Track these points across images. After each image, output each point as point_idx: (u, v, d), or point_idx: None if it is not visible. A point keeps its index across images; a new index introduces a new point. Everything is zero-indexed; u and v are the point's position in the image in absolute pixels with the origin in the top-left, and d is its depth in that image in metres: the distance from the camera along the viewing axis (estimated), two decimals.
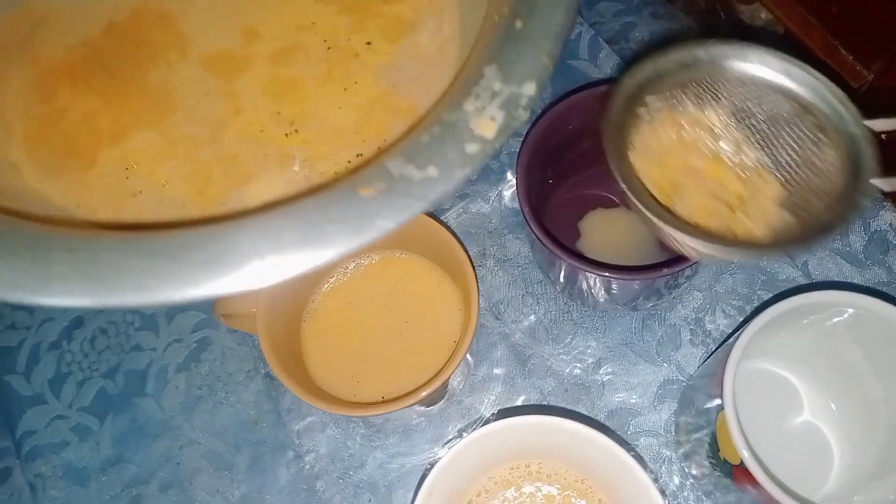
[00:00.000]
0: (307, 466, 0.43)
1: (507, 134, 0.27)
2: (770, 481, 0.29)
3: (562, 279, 0.42)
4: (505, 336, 0.44)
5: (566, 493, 0.35)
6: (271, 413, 0.44)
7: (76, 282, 0.23)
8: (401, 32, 0.36)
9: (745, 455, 0.29)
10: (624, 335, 0.44)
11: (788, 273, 0.44)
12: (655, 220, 0.28)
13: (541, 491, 0.35)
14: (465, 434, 0.34)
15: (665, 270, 0.36)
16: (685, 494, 0.40)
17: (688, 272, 0.40)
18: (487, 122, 0.27)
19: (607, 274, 0.37)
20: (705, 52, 0.30)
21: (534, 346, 0.44)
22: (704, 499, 0.40)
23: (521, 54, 0.27)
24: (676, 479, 0.40)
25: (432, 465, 0.33)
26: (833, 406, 0.38)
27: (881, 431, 0.35)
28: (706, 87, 0.31)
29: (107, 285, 0.23)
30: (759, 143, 0.31)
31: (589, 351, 0.44)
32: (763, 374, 0.40)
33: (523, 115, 0.26)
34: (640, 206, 0.28)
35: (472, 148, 0.27)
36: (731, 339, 0.35)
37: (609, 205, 0.46)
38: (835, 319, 0.34)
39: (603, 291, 0.41)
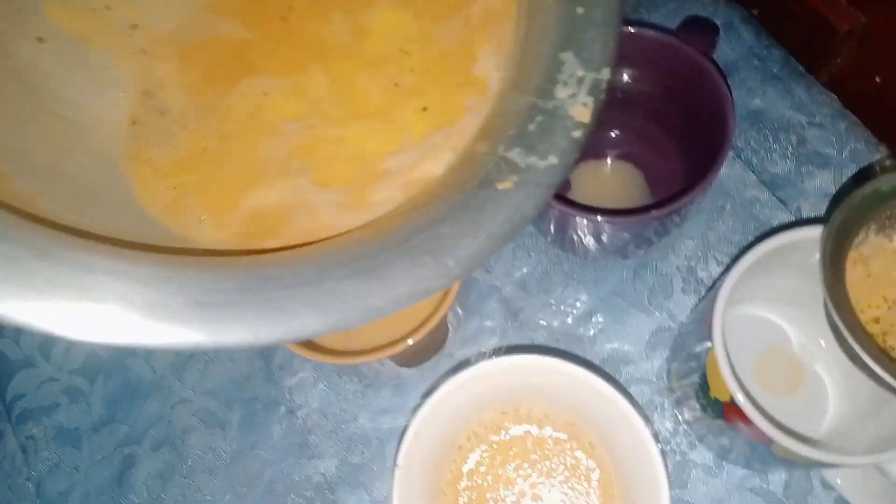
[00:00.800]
0: (300, 421, 0.43)
1: (596, 117, 0.29)
2: (758, 415, 0.29)
3: (552, 229, 0.41)
4: (496, 289, 0.44)
5: (556, 434, 0.35)
6: (262, 370, 0.44)
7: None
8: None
9: (734, 388, 0.29)
10: (615, 285, 0.43)
11: (782, 219, 0.43)
12: (883, 373, 0.26)
13: (531, 434, 0.35)
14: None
15: (654, 213, 0.35)
16: (678, 440, 0.40)
17: (677, 219, 0.40)
18: (582, 109, 0.29)
19: (598, 218, 0.36)
20: None
21: (525, 298, 0.44)
22: (698, 443, 0.40)
23: (594, 41, 0.29)
24: (669, 425, 0.40)
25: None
26: (823, 343, 0.38)
27: None
28: (889, 215, 0.28)
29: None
30: None
31: (581, 301, 0.43)
32: (752, 319, 0.40)
33: (603, 98, 0.28)
34: (865, 355, 0.26)
35: (577, 134, 0.28)
36: (720, 282, 0.34)
37: (599, 156, 0.45)
38: (818, 255, 0.33)
39: (593, 240, 0.40)
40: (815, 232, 0.32)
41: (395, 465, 0.30)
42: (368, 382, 0.43)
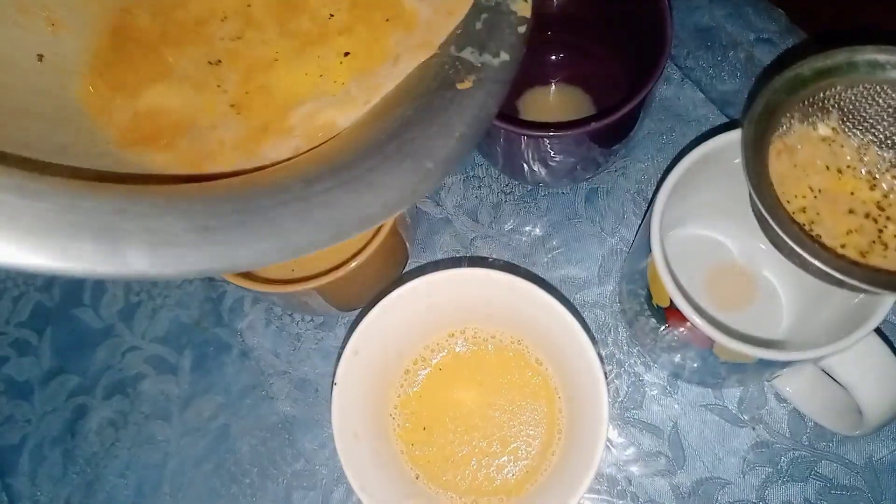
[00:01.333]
0: (252, 363, 0.42)
1: (536, 12, 0.29)
2: (693, 312, 0.28)
3: (500, 156, 0.40)
4: (447, 221, 0.43)
5: (502, 353, 0.34)
6: (212, 313, 0.43)
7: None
8: None
9: (669, 287, 0.29)
10: (567, 211, 0.43)
11: None
12: (807, 255, 0.25)
13: (477, 354, 0.34)
14: None
15: (594, 124, 0.34)
16: (632, 361, 0.40)
17: (622, 137, 0.39)
18: (523, 3, 0.29)
19: (542, 133, 0.35)
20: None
21: (477, 229, 0.43)
22: (652, 365, 0.39)
23: None
24: (624, 347, 0.40)
25: None
26: (763, 247, 0.37)
27: None
28: (811, 102, 0.28)
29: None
30: (882, 142, 0.28)
31: (533, 229, 0.43)
32: (694, 239, 0.40)
33: None
34: (787, 238, 0.25)
35: (522, 29, 0.29)
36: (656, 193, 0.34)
37: (544, 82, 0.44)
38: (737, 162, 0.33)
39: (540, 164, 0.39)
40: (733, 136, 0.31)
41: (333, 383, 0.30)
42: (321, 321, 0.42)
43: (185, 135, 0.28)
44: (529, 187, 0.43)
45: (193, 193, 0.23)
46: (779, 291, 0.38)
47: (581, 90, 0.44)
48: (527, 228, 0.43)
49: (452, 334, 0.35)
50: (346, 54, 0.32)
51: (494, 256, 0.42)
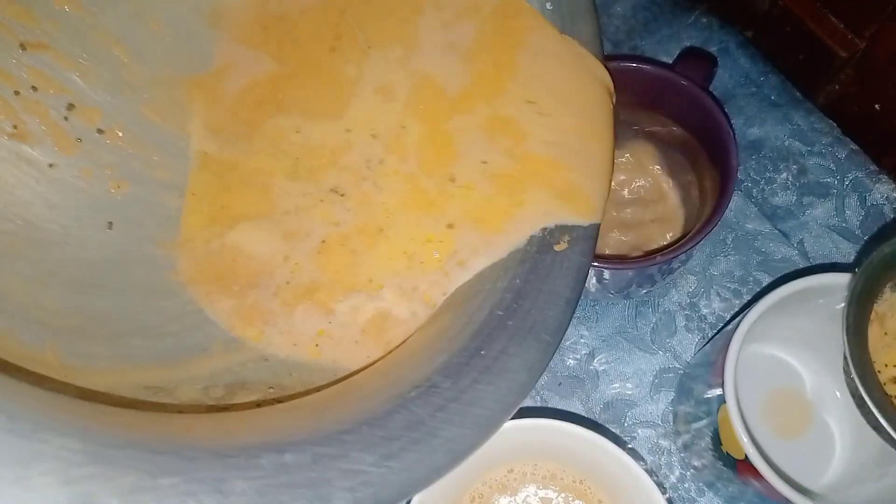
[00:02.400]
0: None
1: None
2: (776, 476, 0.28)
3: None
4: None
5: (564, 494, 0.33)
6: None
7: None
8: None
9: (751, 452, 0.28)
10: (617, 324, 0.42)
11: (784, 252, 0.42)
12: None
13: (537, 494, 0.33)
14: None
15: (658, 258, 0.34)
16: (686, 486, 0.39)
17: (682, 257, 0.39)
18: None
19: (597, 264, 0.35)
20: None
21: None
22: (706, 490, 0.39)
23: None
24: (676, 471, 0.39)
25: None
26: (838, 394, 0.37)
27: None
28: None
29: None
30: None
31: (582, 342, 0.42)
32: (764, 357, 0.39)
33: None
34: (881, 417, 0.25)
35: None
36: (731, 326, 0.33)
37: None
38: (840, 305, 0.32)
39: (594, 280, 0.39)
40: (834, 279, 0.31)
41: None
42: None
43: (256, 286, 0.28)
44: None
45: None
46: (835, 439, 0.37)
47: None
48: (575, 341, 0.42)
49: (512, 470, 0.34)
50: (450, 226, 0.30)
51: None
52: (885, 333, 0.28)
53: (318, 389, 0.25)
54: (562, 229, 0.27)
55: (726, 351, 0.31)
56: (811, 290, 0.31)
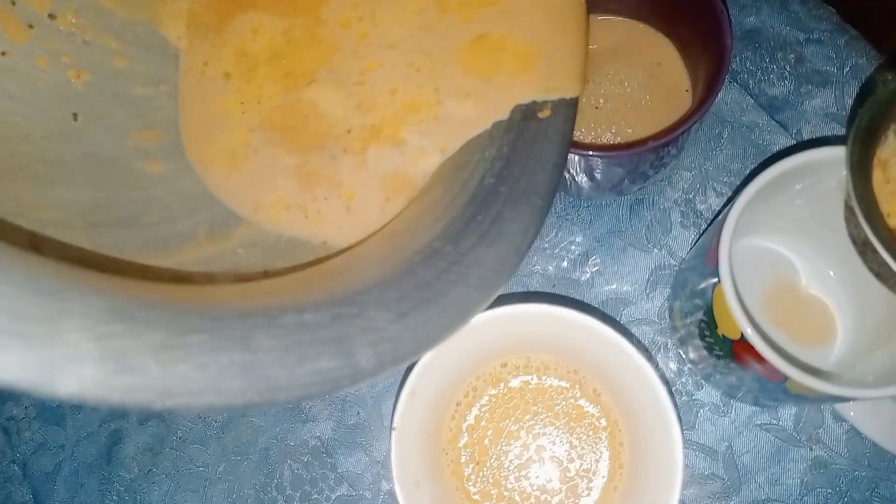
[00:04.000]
0: None
1: None
2: (773, 352, 0.27)
3: None
4: None
5: (558, 383, 0.33)
6: None
7: None
8: None
9: (745, 327, 0.27)
10: (611, 223, 0.41)
11: (783, 144, 0.41)
12: None
13: (531, 384, 0.33)
14: None
15: (651, 143, 0.33)
16: (683, 380, 0.39)
17: (673, 151, 0.38)
18: None
19: (592, 153, 0.34)
20: None
21: None
22: (704, 383, 0.38)
23: None
24: (673, 366, 0.39)
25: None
26: (832, 273, 0.36)
27: (881, 295, 0.33)
28: None
29: None
30: None
31: (575, 243, 0.41)
32: (757, 250, 0.38)
33: None
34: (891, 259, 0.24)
35: None
36: (723, 213, 0.32)
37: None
38: (827, 182, 0.31)
39: (585, 177, 0.38)
40: (820, 154, 0.29)
41: (391, 427, 0.29)
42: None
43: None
44: (571, 199, 0.42)
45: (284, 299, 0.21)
46: (835, 319, 0.36)
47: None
48: (569, 242, 0.41)
49: (505, 364, 0.34)
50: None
51: (538, 270, 0.41)
52: (888, 182, 0.27)
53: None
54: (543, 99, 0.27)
55: (720, 233, 0.30)
56: (797, 168, 0.30)
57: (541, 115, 0.27)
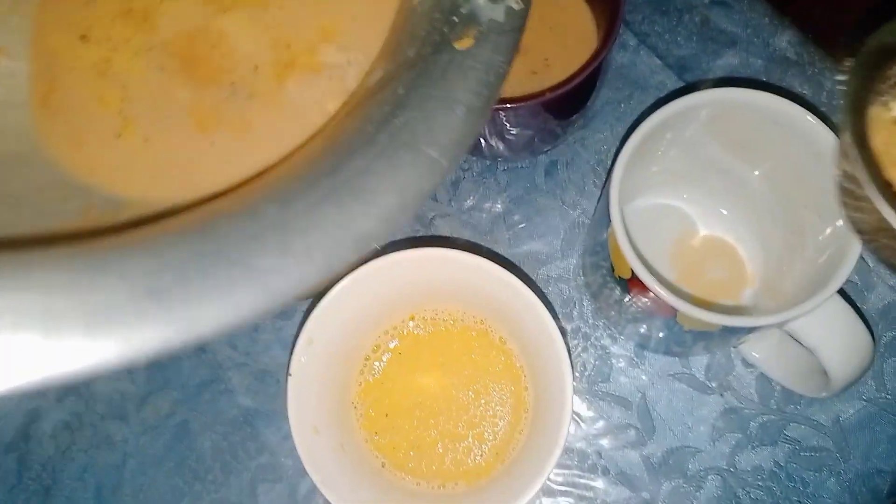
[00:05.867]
0: (209, 356, 0.41)
1: None
2: (652, 277, 0.28)
3: None
4: None
5: (466, 333, 0.33)
6: None
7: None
8: None
9: (629, 256, 0.28)
10: (527, 185, 0.42)
11: None
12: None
13: (438, 336, 0.33)
14: None
15: (547, 94, 0.33)
16: (598, 334, 0.39)
17: (582, 111, 0.38)
18: None
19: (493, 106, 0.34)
20: None
21: (436, 207, 0.42)
22: (618, 337, 0.39)
23: None
24: (590, 321, 0.39)
25: None
26: (724, 212, 0.37)
27: (773, 222, 0.35)
28: None
29: None
30: None
31: (493, 205, 0.42)
32: (653, 209, 0.39)
33: None
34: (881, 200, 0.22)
35: None
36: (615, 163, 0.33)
37: None
38: (692, 126, 0.32)
39: (497, 139, 0.38)
40: (684, 102, 0.30)
41: (287, 373, 0.28)
42: (280, 310, 0.41)
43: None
44: (488, 162, 0.42)
45: (136, 243, 0.19)
46: (742, 257, 0.37)
47: None
48: (487, 205, 0.42)
49: (413, 317, 0.34)
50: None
51: (455, 235, 0.41)
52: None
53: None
54: (466, 21, 0.22)
55: (609, 179, 0.31)
56: (673, 116, 0.30)
57: (457, 44, 0.22)
